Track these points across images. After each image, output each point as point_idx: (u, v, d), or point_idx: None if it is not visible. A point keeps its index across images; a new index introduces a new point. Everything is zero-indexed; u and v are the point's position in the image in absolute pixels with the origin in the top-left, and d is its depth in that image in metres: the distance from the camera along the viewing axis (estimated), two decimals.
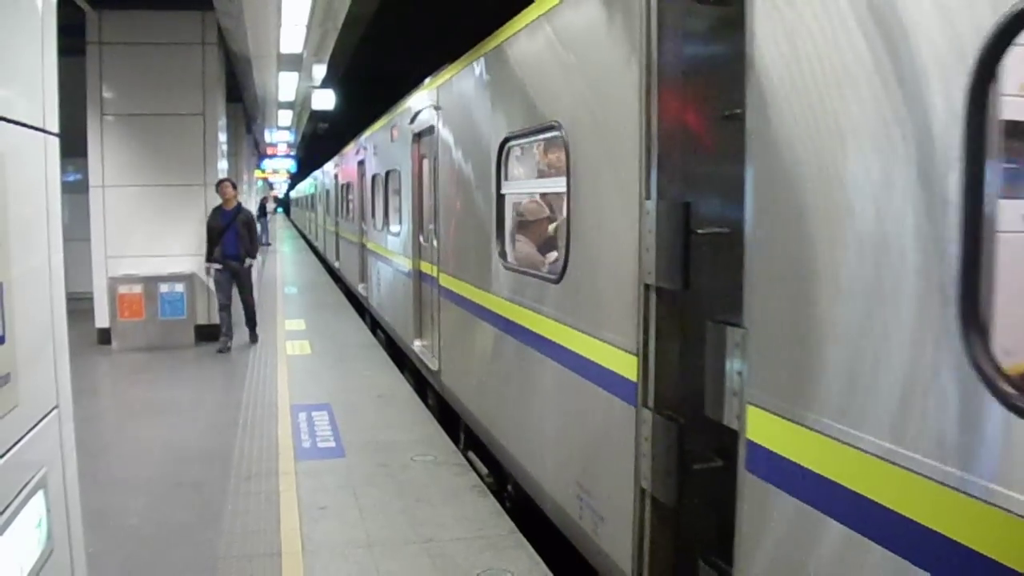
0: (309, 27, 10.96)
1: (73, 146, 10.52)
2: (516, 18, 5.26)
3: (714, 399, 3.03)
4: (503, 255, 5.59)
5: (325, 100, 18.06)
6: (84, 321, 10.91)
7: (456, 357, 7.19)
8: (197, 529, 5.16)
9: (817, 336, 2.44)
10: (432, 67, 8.16)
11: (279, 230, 47.69)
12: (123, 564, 4.68)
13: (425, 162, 8.43)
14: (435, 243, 7.75)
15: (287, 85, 15.95)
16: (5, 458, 1.96)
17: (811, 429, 2.43)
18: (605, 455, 3.96)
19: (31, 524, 2.11)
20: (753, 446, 2.73)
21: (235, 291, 11.14)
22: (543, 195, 5.77)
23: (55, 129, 2.42)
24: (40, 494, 2.17)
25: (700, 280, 3.24)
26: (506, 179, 5.57)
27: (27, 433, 2.12)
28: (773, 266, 2.66)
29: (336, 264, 19.52)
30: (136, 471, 6.33)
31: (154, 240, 11.27)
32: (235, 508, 5.43)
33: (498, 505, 5.47)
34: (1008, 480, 1.78)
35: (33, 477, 2.15)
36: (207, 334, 11.54)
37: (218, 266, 10.84)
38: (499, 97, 5.76)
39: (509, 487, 5.90)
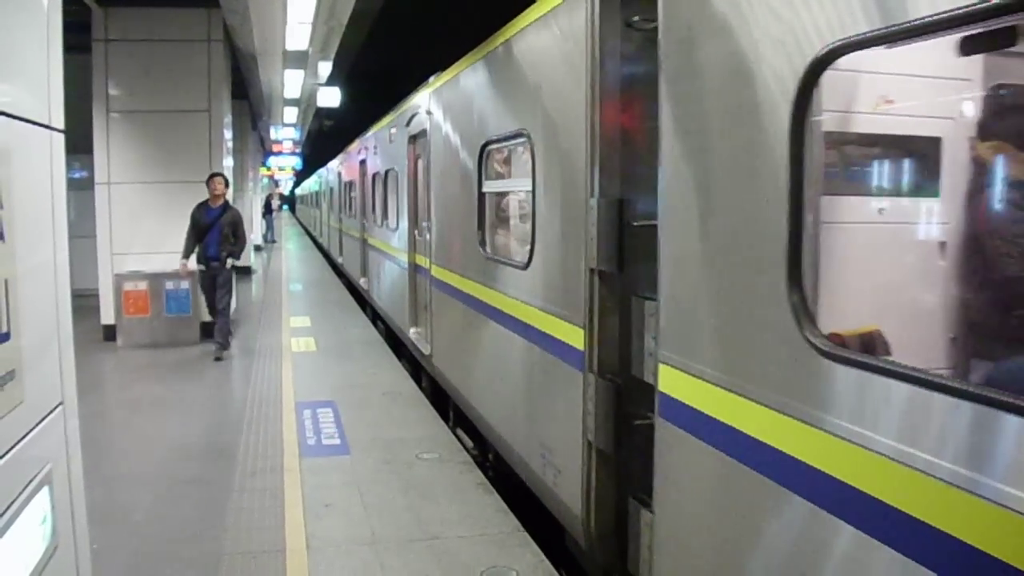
0: (314, 24, 10.96)
1: (79, 143, 10.55)
2: (493, 36, 5.89)
3: (638, 361, 3.77)
4: (483, 245, 6.24)
5: (330, 97, 18.09)
6: (89, 318, 10.94)
7: (445, 340, 7.79)
8: (202, 525, 5.16)
9: (700, 306, 3.12)
10: (437, 64, 8.18)
11: (285, 227, 47.75)
12: (128, 560, 4.69)
13: (419, 162, 9.03)
14: (428, 237, 8.34)
15: (292, 82, 15.95)
16: (10, 454, 1.96)
17: (699, 378, 3.07)
18: (561, 416, 4.57)
19: (36, 520, 2.11)
20: (664, 397, 3.34)
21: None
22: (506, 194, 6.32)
23: (60, 125, 2.42)
24: (45, 490, 2.18)
25: (635, 264, 3.90)
26: (486, 179, 6.21)
27: (32, 429, 2.12)
28: (675, 251, 3.28)
29: (340, 260, 20.14)
30: (141, 467, 6.34)
31: (159, 237, 11.26)
32: (240, 505, 5.44)
33: (503, 503, 5.47)
34: (820, 404, 2.44)
35: (38, 473, 2.15)
36: (212, 331, 11.55)
37: (200, 267, 10.29)
38: (480, 106, 6.40)
39: (490, 456, 6.53)
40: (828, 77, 2.48)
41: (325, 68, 15.41)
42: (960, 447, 1.99)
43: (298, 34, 11.40)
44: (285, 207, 69.06)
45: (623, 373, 3.99)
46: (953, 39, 2.10)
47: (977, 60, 2.41)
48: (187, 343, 11.12)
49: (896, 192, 3.17)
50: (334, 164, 22.95)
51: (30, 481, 2.09)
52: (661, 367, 3.35)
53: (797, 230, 2.55)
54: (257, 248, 26.70)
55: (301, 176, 55.00)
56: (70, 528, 2.41)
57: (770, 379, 2.67)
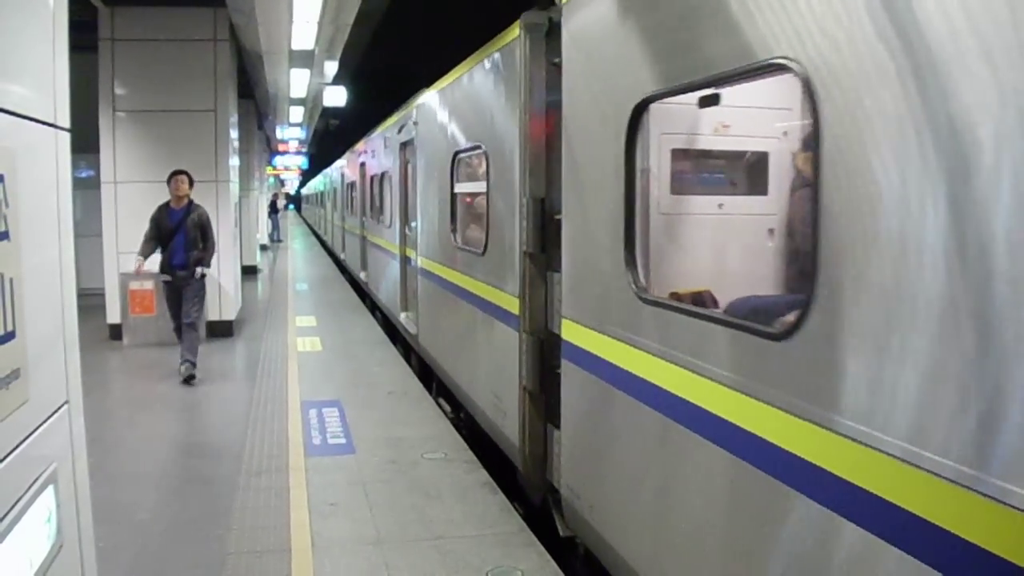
0: (320, 24, 10.97)
1: (85, 142, 10.59)
2: (459, 65, 7.21)
3: (552, 319, 5.12)
4: (454, 236, 7.61)
5: (336, 97, 18.09)
6: (95, 317, 10.96)
7: (427, 321, 9.10)
8: (207, 524, 5.17)
9: (580, 273, 4.45)
10: (443, 63, 8.22)
11: (290, 227, 47.82)
12: (133, 559, 4.70)
13: (408, 167, 10.29)
14: (416, 231, 9.60)
15: (298, 82, 15.95)
16: (15, 453, 1.96)
17: (581, 324, 4.37)
18: (506, 369, 5.76)
19: (41, 519, 2.11)
20: (566, 343, 4.60)
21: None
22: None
23: (66, 124, 2.42)
24: (50, 489, 2.17)
25: (555, 248, 4.94)
26: (457, 181, 7.55)
27: (37, 428, 2.12)
28: (569, 237, 4.53)
29: (343, 256, 21.06)
30: (146, 466, 6.35)
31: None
32: (245, 504, 5.44)
33: (508, 502, 5.47)
34: (644, 334, 3.62)
35: (43, 472, 2.14)
36: (218, 330, 11.58)
37: (165, 277, 9.13)
38: (452, 121, 7.75)
39: (462, 415, 7.70)
40: (676, 110, 3.84)
41: (331, 67, 15.41)
42: (722, 356, 3.01)
43: (304, 33, 11.41)
44: (291, 207, 69.16)
45: (547, 331, 5.23)
46: (783, 80, 2.78)
47: (796, 95, 3.15)
48: None
49: (733, 191, 4.46)
50: (337, 166, 23.50)
51: (35, 480, 2.08)
52: (564, 321, 4.63)
53: (631, 219, 3.73)
54: (263, 247, 26.76)
55: (307, 176, 55.06)
56: (75, 527, 2.40)
57: (617, 321, 3.87)
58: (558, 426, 4.84)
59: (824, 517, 2.43)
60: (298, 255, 28.85)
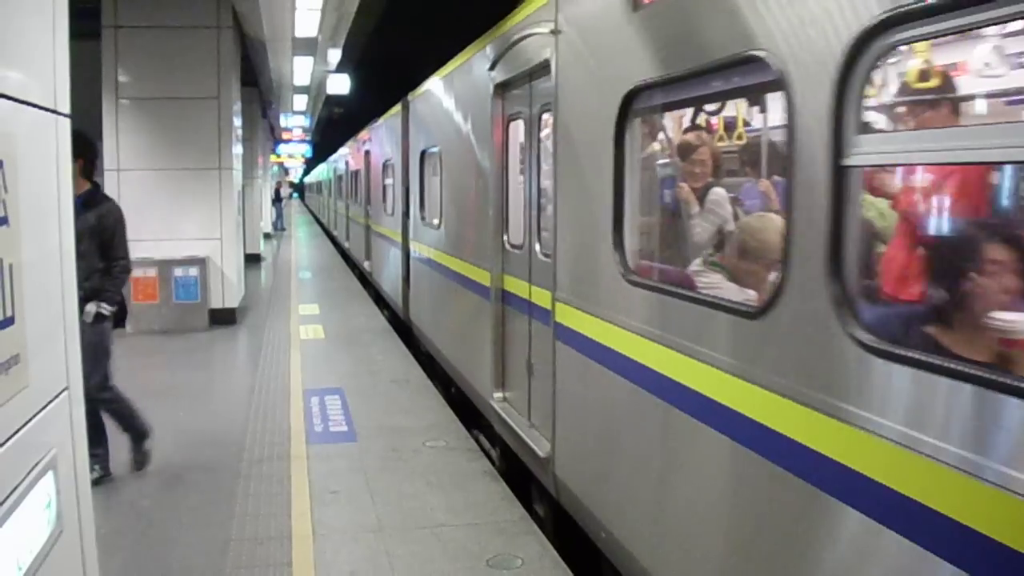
0: (324, 11, 10.95)
1: (88, 130, 10.55)
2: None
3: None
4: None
5: (340, 85, 18.06)
6: None
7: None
8: (208, 512, 5.18)
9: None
10: (446, 51, 8.19)
11: (294, 215, 47.79)
12: (134, 546, 4.71)
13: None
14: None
15: (302, 69, 15.94)
16: (14, 439, 1.96)
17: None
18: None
19: (40, 505, 2.11)
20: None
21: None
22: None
23: (66, 110, 2.41)
24: (49, 475, 2.17)
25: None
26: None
27: (36, 414, 2.12)
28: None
29: (334, 230, 22.44)
30: None
31: (168, 224, 11.29)
32: (246, 491, 5.45)
33: (509, 491, 5.47)
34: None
35: (42, 458, 2.14)
36: (221, 318, 11.59)
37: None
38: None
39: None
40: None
41: (335, 55, 15.39)
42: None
43: (307, 21, 11.39)
44: (295, 195, 69.10)
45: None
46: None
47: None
48: (196, 329, 11.16)
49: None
50: (342, 151, 23.59)
51: (34, 466, 2.08)
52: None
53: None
54: (267, 236, 26.76)
55: (311, 164, 54.99)
56: (75, 514, 2.40)
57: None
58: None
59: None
60: (301, 243, 28.85)
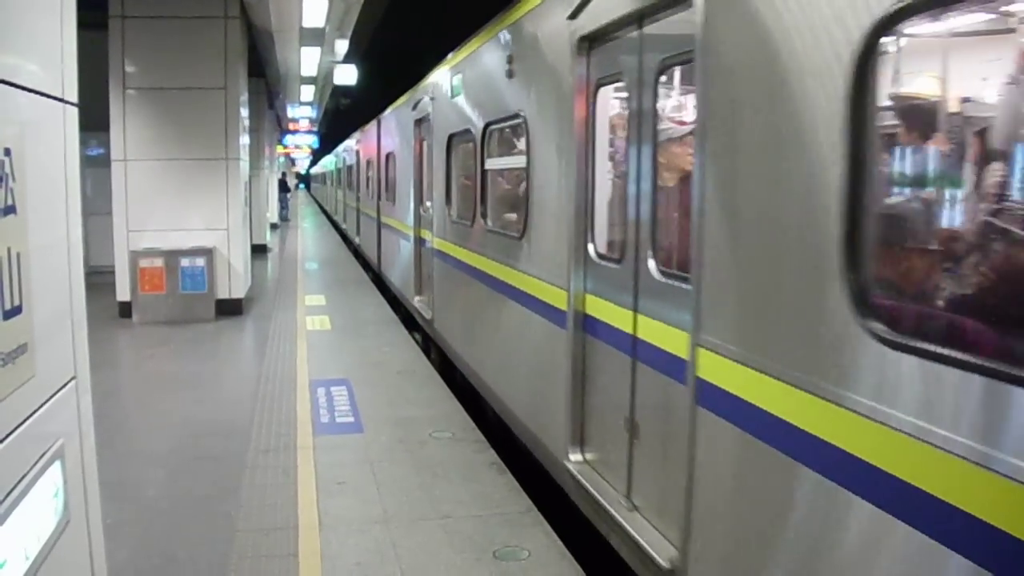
0: (331, 1, 10.91)
1: (96, 120, 10.55)
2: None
3: None
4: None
5: (347, 75, 18.01)
6: (106, 294, 10.98)
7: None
8: (215, 502, 5.19)
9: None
10: (454, 41, 8.18)
11: (300, 206, 47.81)
12: (141, 536, 4.73)
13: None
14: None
15: (309, 60, 15.90)
16: (22, 428, 1.96)
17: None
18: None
19: (48, 494, 2.11)
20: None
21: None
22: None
23: (74, 99, 2.40)
24: (57, 465, 2.17)
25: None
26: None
27: (44, 404, 2.12)
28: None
29: (337, 217, 23.15)
30: (155, 443, 6.38)
31: (175, 214, 11.29)
32: (253, 481, 5.46)
33: (516, 482, 5.47)
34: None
35: (50, 448, 2.14)
36: (228, 308, 11.60)
37: None
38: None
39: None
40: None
41: (342, 46, 15.35)
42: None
43: (315, 11, 11.35)
44: (301, 186, 69.15)
45: None
46: None
47: None
48: (202, 320, 11.17)
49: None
50: (350, 143, 23.59)
51: (42, 455, 2.08)
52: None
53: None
54: (273, 226, 26.78)
55: (317, 155, 54.97)
56: (82, 503, 2.41)
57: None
58: None
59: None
60: (307, 235, 28.86)
